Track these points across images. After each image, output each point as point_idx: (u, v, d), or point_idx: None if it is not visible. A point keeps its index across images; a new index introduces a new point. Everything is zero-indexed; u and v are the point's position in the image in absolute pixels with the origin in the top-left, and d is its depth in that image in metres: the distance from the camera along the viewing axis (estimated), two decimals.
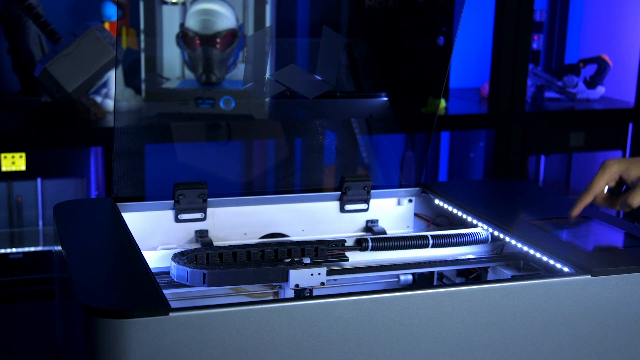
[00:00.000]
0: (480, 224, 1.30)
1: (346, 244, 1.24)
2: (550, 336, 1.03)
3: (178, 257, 1.12)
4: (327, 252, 1.19)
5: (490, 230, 1.29)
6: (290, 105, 1.73)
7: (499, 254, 1.30)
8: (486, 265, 1.27)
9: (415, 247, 1.27)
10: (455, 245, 1.28)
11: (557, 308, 1.03)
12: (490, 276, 1.28)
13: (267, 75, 1.38)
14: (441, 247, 1.28)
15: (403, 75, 2.87)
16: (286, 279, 1.12)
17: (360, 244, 1.24)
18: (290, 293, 1.13)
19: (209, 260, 1.14)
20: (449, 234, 1.29)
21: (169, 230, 1.30)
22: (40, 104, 2.42)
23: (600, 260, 1.08)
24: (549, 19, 3.39)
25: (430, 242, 1.27)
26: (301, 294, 1.13)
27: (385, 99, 1.71)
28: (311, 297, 0.94)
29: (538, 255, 1.14)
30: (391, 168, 1.78)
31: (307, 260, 1.15)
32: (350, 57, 2.00)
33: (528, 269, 1.23)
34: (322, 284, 1.13)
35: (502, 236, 1.25)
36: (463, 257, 1.30)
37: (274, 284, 1.16)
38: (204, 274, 1.09)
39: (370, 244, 1.24)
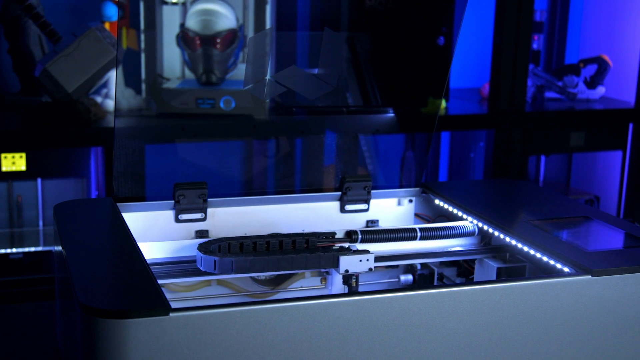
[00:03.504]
0: (480, 223, 1.30)
1: (336, 237, 1.25)
2: (551, 336, 1.03)
3: (205, 248, 1.15)
4: (317, 244, 1.21)
5: (475, 222, 1.31)
6: (297, 120, 1.73)
7: (486, 246, 1.32)
8: (473, 257, 1.29)
9: (404, 240, 1.29)
10: (442, 238, 1.31)
11: (557, 308, 1.03)
12: (477, 268, 1.30)
13: (268, 76, 1.38)
14: (429, 239, 1.30)
15: (403, 75, 2.87)
16: (336, 264, 1.18)
17: (350, 236, 1.26)
18: (339, 278, 1.20)
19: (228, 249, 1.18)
20: (437, 227, 1.31)
21: (169, 230, 1.30)
22: (40, 104, 2.42)
23: (600, 260, 1.08)
24: (549, 19, 3.39)
25: (418, 234, 1.29)
26: (349, 279, 1.20)
27: (392, 114, 1.71)
28: (312, 297, 0.94)
29: (538, 255, 1.15)
30: (391, 168, 1.78)
31: (354, 247, 1.22)
32: (352, 50, 1.99)
33: (514, 261, 1.25)
34: (370, 269, 1.18)
35: (502, 236, 1.25)
36: (451, 250, 1.31)
37: (323, 270, 1.22)
38: (265, 261, 1.14)
39: (360, 236, 1.26)
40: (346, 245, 1.23)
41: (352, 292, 1.25)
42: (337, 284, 1.22)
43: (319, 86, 1.38)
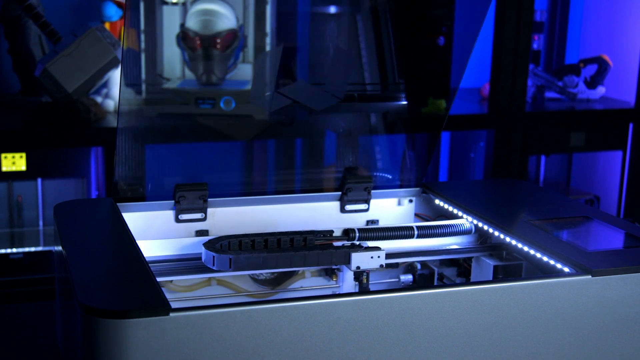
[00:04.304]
0: (480, 223, 1.30)
1: (334, 235, 1.26)
2: (551, 336, 1.03)
3: (211, 245, 1.15)
4: (315, 241, 1.21)
5: (473, 220, 1.32)
6: (303, 109, 1.70)
7: (483, 244, 1.32)
8: (470, 255, 1.30)
9: (401, 238, 1.30)
10: (439, 236, 1.32)
11: (557, 308, 1.03)
12: (473, 266, 1.30)
13: (273, 91, 1.39)
14: (426, 237, 1.31)
15: (405, 75, 2.86)
16: (348, 261, 1.18)
17: (347, 234, 1.26)
18: (350, 275, 1.22)
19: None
20: (434, 225, 1.31)
21: (169, 230, 1.30)
22: (40, 104, 2.42)
23: (600, 260, 1.08)
24: (549, 19, 3.39)
25: (416, 232, 1.29)
26: (360, 276, 1.21)
27: (405, 102, 1.70)
28: (312, 297, 0.94)
29: (538, 255, 1.15)
30: (392, 168, 1.78)
31: (365, 244, 1.23)
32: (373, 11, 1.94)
33: (510, 259, 1.26)
34: (381, 266, 1.19)
35: (502, 236, 1.25)
36: (448, 248, 1.31)
37: (334, 266, 1.23)
38: (277, 258, 1.16)
39: (357, 234, 1.26)
40: (344, 243, 1.23)
41: (352, 292, 1.25)
42: (348, 280, 1.23)
43: (327, 98, 1.39)
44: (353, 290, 1.25)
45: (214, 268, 1.14)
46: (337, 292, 1.28)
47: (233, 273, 1.21)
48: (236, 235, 1.19)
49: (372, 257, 1.19)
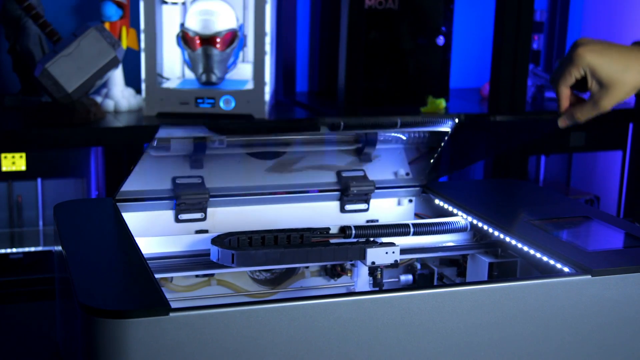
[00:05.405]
0: (479, 223, 1.30)
1: (330, 232, 1.26)
2: (550, 336, 1.03)
3: (220, 241, 1.15)
4: (311, 239, 1.21)
5: (469, 218, 1.32)
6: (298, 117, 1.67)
7: (478, 241, 1.32)
8: (465, 252, 1.30)
9: (397, 235, 1.30)
10: (435, 233, 1.32)
11: (557, 308, 1.03)
12: (469, 263, 1.30)
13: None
14: (422, 234, 1.31)
15: (406, 74, 2.87)
16: (363, 257, 1.19)
17: (344, 232, 1.26)
18: (365, 270, 1.22)
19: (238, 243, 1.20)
20: (429, 222, 1.32)
21: (169, 230, 1.31)
22: (40, 104, 2.42)
23: (600, 260, 1.08)
24: (549, 19, 3.39)
25: (412, 230, 1.29)
26: (374, 271, 1.22)
27: (451, 123, 1.60)
28: (312, 297, 0.95)
29: (538, 255, 1.15)
30: (393, 167, 1.78)
31: (379, 240, 1.23)
32: None
33: (506, 256, 1.26)
34: (396, 261, 1.19)
35: (502, 236, 1.25)
36: (443, 245, 1.32)
37: (348, 262, 1.24)
38: (294, 253, 1.16)
39: (354, 232, 1.26)
40: (359, 239, 1.23)
41: (352, 292, 1.25)
42: (362, 275, 1.23)
43: None
44: (367, 286, 1.25)
45: (233, 265, 1.14)
46: (352, 289, 1.29)
47: (240, 269, 1.21)
48: (233, 232, 1.19)
49: (387, 253, 1.19)
